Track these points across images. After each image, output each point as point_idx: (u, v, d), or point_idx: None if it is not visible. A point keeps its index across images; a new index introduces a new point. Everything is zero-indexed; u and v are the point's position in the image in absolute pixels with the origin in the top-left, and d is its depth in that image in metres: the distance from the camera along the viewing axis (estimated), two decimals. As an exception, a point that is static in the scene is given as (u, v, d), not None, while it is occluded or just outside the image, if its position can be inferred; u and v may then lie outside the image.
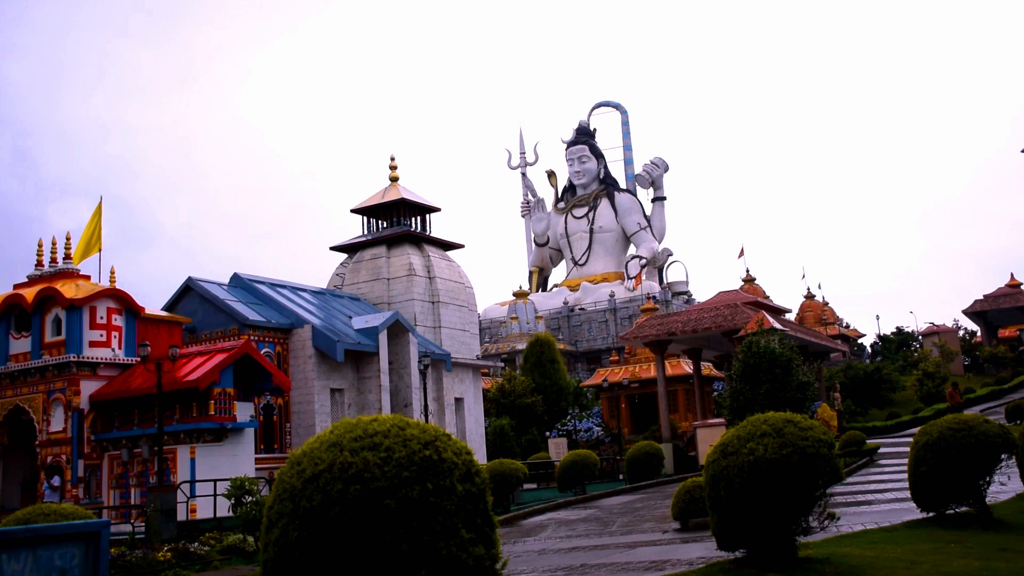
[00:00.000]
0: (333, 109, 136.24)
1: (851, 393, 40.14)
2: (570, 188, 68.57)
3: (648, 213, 65.93)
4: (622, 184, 68.26)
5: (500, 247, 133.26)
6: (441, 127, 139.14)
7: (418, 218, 30.98)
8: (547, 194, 70.01)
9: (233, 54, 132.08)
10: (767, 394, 18.05)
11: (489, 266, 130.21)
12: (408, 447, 3.81)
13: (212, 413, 18.18)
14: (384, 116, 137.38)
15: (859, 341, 58.21)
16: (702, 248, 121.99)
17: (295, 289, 25.89)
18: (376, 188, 32.39)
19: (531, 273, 68.12)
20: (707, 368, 35.21)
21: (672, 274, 63.32)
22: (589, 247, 65.38)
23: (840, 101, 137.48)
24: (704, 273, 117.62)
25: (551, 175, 70.10)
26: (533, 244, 68.72)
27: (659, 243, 64.38)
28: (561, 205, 68.52)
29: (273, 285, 25.17)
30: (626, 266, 61.07)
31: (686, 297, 59.46)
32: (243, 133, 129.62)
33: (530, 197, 69.78)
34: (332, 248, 31.11)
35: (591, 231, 65.29)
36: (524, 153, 72.26)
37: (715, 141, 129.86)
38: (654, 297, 52.67)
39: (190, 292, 22.98)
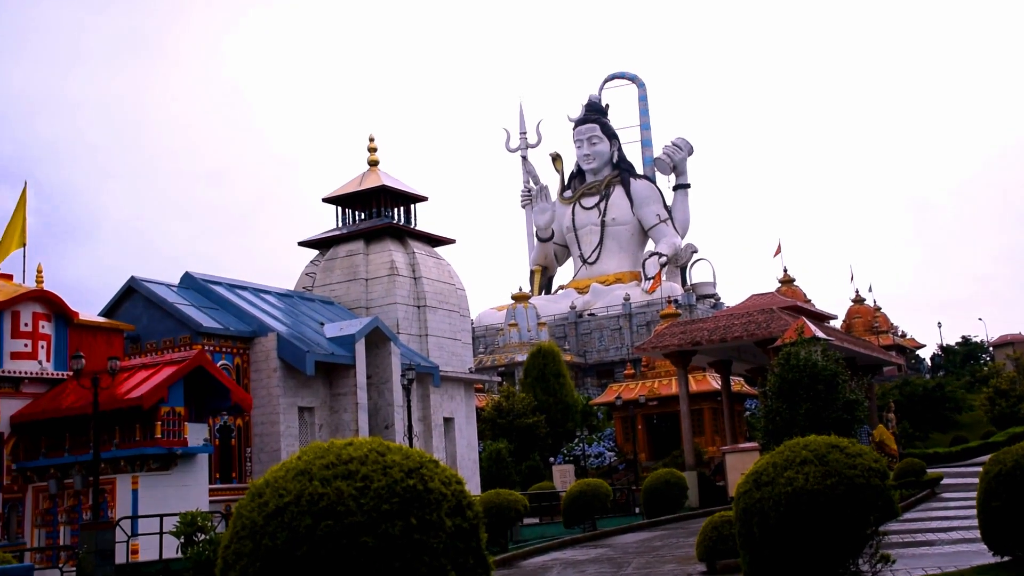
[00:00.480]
0: (306, 82, 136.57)
1: (908, 414, 39.88)
2: (578, 174, 68.72)
3: (669, 203, 66.11)
4: (639, 169, 68.40)
5: (497, 243, 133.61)
6: (429, 103, 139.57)
7: (401, 209, 31.09)
8: (551, 181, 70.24)
9: (192, 19, 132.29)
10: (808, 414, 18.12)
11: (484, 265, 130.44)
12: (389, 475, 3.79)
13: (159, 437, 18.05)
14: (363, 90, 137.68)
15: (917, 353, 58.20)
16: (732, 244, 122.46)
17: (258, 291, 25.91)
18: (353, 173, 32.36)
19: (533, 273, 68.20)
20: (738, 384, 35.26)
21: (697, 274, 63.49)
22: (600, 243, 65.50)
23: (896, 71, 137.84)
24: (734, 273, 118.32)
25: (556, 159, 70.22)
26: (535, 239, 68.85)
27: (682, 238, 64.54)
28: (568, 194, 68.67)
29: (232, 286, 25.15)
30: (643, 265, 61.20)
31: (713, 301, 59.58)
32: (201, 110, 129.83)
33: (531, 184, 69.94)
34: (301, 243, 31.14)
35: (602, 224, 65.43)
36: (525, 133, 72.40)
37: (746, 119, 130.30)
38: (676, 301, 52.81)
39: (133, 294, 22.94)
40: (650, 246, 65.37)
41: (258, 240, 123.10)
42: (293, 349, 22.38)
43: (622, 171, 66.70)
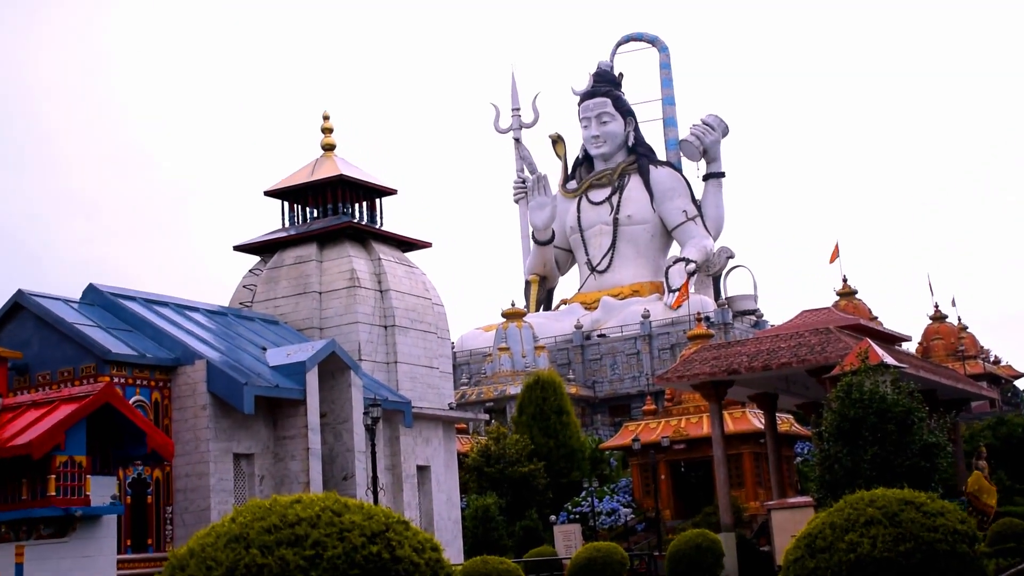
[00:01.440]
0: (245, 44, 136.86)
1: (1005, 460, 39.20)
2: (585, 160, 69.06)
3: (698, 196, 66.44)
4: (661, 155, 68.78)
5: (484, 247, 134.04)
6: (398, 73, 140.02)
7: (364, 204, 31.26)
8: (551, 169, 70.54)
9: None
10: (875, 461, 18.18)
11: (468, 274, 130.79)
12: (347, 541, 3.76)
13: (52, 494, 17.71)
14: (317, 56, 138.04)
15: (1015, 384, 57.93)
16: (776, 247, 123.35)
17: (182, 308, 25.93)
18: (303, 160, 32.39)
19: (528, 284, 68.34)
20: (786, 422, 35.31)
21: (734, 285, 63.75)
22: (612, 246, 65.77)
23: (997, 36, 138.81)
24: (779, 284, 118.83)
25: (557, 141, 70.54)
26: (531, 242, 69.08)
27: (714, 240, 64.88)
28: (572, 185, 68.99)
29: (149, 302, 25.11)
30: (666, 274, 61.42)
31: (754, 319, 59.79)
32: (109, 83, 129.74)
33: (526, 174, 70.22)
34: (238, 248, 31.22)
35: (615, 223, 65.72)
36: (518, 110, 72.72)
37: (792, 91, 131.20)
38: (707, 318, 52.71)
39: (20, 313, 22.77)
40: (675, 250, 65.56)
41: (183, 244, 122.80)
42: (227, 381, 22.33)
43: (640, 157, 67.01)
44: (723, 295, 62.39)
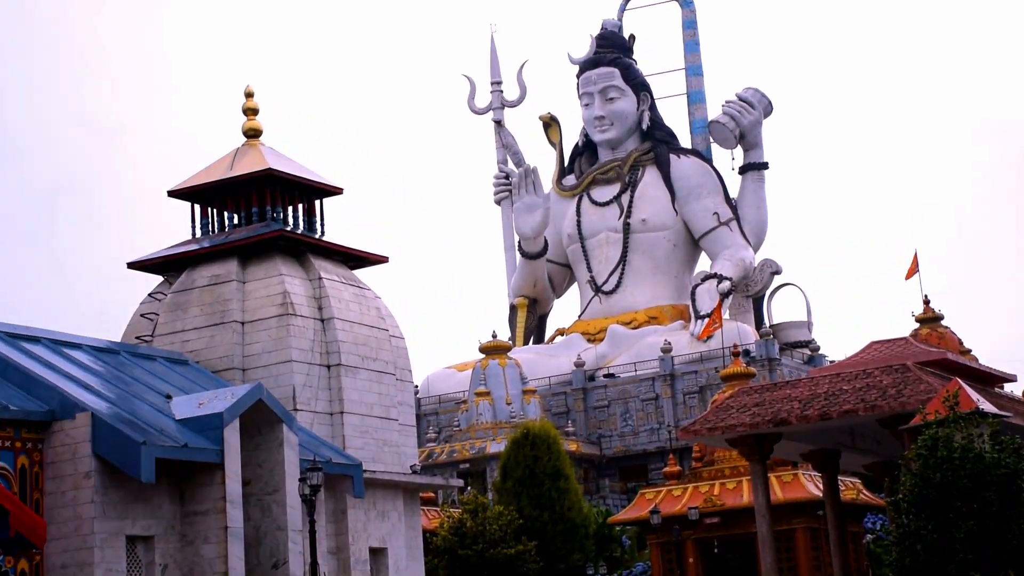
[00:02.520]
0: (141, 5, 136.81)
1: None
2: (586, 148, 69.24)
3: (733, 195, 66.53)
4: (685, 141, 68.96)
5: (456, 261, 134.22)
6: (344, 38, 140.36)
7: (301, 208, 31.21)
8: (543, 160, 70.64)
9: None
10: (971, 539, 18.06)
11: (436, 297, 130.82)
12: None
13: None
14: (239, 17, 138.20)
15: None
16: (834, 259, 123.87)
17: (59, 344, 25.69)
18: (220, 151, 32.32)
19: (514, 309, 68.17)
20: (851, 488, 35.08)
21: (781, 309, 63.92)
22: (623, 259, 65.76)
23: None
24: (839, 306, 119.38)
25: (550, 124, 70.67)
26: (517, 254, 68.97)
27: (754, 250, 64.91)
28: (569, 181, 69.09)
29: (14, 337, 24.83)
30: (693, 294, 61.45)
31: (808, 353, 59.83)
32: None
33: (510, 166, 70.22)
34: (133, 265, 31.12)
35: (626, 229, 65.80)
36: (499, 83, 72.83)
37: (856, 61, 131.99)
38: (747, 352, 52.79)
39: None
40: (703, 264, 65.65)
41: (58, 260, 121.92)
42: (119, 440, 22.05)
43: (657, 143, 67.21)
44: (767, 322, 62.42)
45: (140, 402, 24.17)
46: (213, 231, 31.00)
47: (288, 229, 30.12)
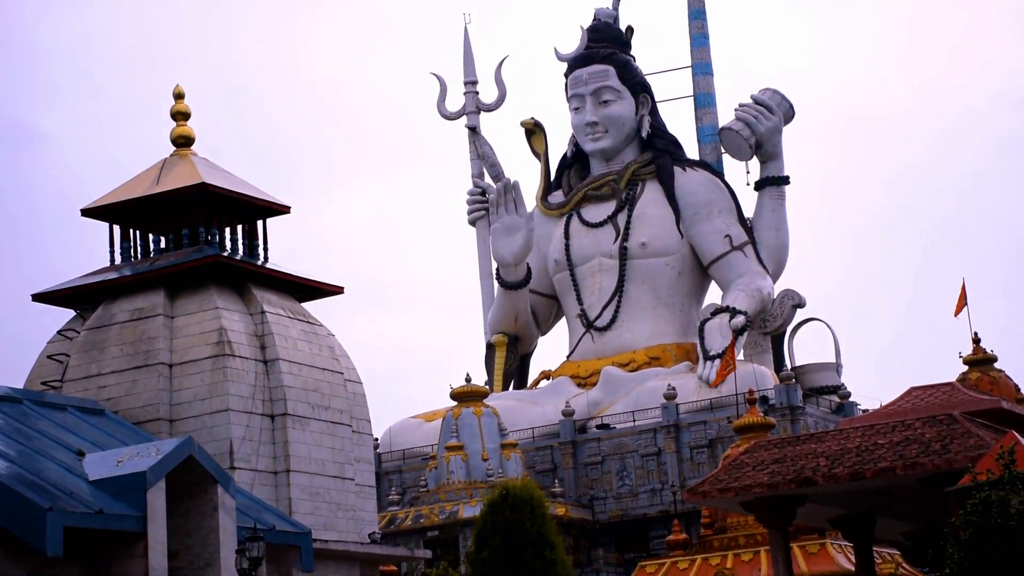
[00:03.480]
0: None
1: None
2: (576, 160, 69.26)
3: (749, 214, 66.58)
4: (691, 151, 69.06)
5: (424, 292, 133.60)
6: (294, 29, 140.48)
7: (241, 229, 31.31)
8: (526, 173, 70.68)
9: None
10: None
11: (399, 334, 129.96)
12: None
13: None
14: (171, 4, 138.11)
15: None
16: (865, 291, 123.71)
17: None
18: (144, 162, 32.28)
19: (491, 348, 68.06)
20: (888, 561, 35.08)
21: (805, 348, 64.06)
22: (619, 290, 65.74)
23: None
24: (873, 346, 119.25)
25: (534, 131, 70.66)
26: (495, 284, 68.86)
27: (774, 279, 64.94)
28: (557, 197, 69.09)
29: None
30: (701, 331, 61.49)
31: (836, 400, 59.84)
32: None
33: (487, 180, 70.23)
34: (38, 297, 31.07)
35: (623, 254, 65.79)
36: (474, 83, 72.83)
37: (893, 57, 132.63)
38: (765, 400, 53.29)
39: None
40: (714, 295, 65.61)
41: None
42: (20, 506, 21.92)
43: (659, 154, 67.32)
44: (788, 364, 62.47)
45: (46, 460, 24.00)
46: (136, 257, 30.92)
47: (225, 254, 30.05)
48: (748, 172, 67.15)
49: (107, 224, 31.15)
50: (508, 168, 70.16)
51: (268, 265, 31.03)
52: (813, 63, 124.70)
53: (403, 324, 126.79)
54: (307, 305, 31.40)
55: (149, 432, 27.62)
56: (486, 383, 63.10)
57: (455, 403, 55.78)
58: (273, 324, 29.37)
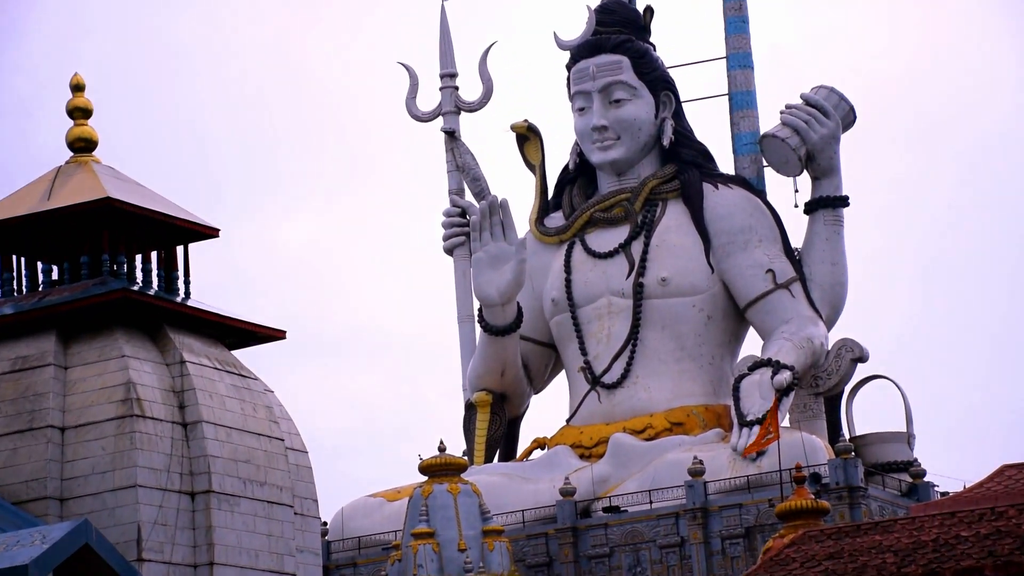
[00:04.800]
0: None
1: None
2: (580, 173, 69.22)
3: (797, 243, 66.60)
4: (725, 164, 69.15)
5: (385, 336, 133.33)
6: (227, 8, 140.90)
7: (157, 256, 31.64)
8: (517, 189, 70.76)
9: None
10: None
11: (354, 389, 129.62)
12: None
13: None
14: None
15: None
16: (944, 341, 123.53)
17: None
18: (34, 171, 32.21)
19: (471, 408, 67.92)
20: None
21: (868, 413, 64.05)
22: (634, 337, 65.73)
23: None
24: (951, 411, 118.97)
25: (527, 137, 70.65)
26: (476, 328, 68.78)
27: (828, 325, 64.87)
28: (555, 220, 69.00)
29: None
30: (736, 390, 61.40)
31: (907, 480, 59.68)
32: None
33: (468, 197, 70.22)
34: None
35: (638, 292, 65.77)
36: (452, 76, 72.81)
37: (974, 50, 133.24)
38: (816, 477, 53.43)
39: None
40: (751, 345, 65.66)
41: None
42: None
43: (684, 167, 67.48)
44: (847, 432, 62.39)
45: None
46: (20, 291, 30.86)
47: (135, 288, 30.02)
48: (797, 191, 67.18)
49: (-12, 250, 31.09)
50: (495, 183, 70.37)
51: (190, 302, 30.99)
52: (882, 55, 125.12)
53: (361, 378, 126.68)
54: (239, 353, 31.40)
55: (33, 514, 27.48)
56: (464, 453, 63.07)
57: (425, 478, 55.53)
58: (195, 377, 29.32)
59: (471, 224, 67.03)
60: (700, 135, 68.49)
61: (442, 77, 72.00)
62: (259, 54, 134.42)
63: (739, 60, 70.29)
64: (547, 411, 71.19)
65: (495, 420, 67.56)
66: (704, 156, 67.71)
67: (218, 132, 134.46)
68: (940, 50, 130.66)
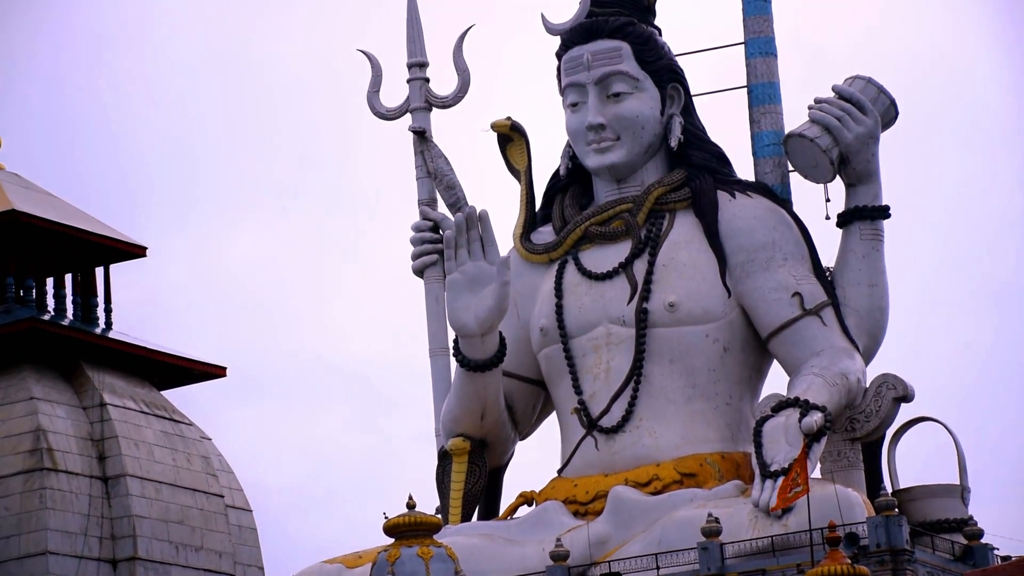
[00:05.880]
0: None
1: None
2: (572, 180, 69.22)
3: (829, 262, 66.59)
4: (743, 170, 69.15)
5: (344, 375, 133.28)
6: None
7: (72, 280, 31.47)
8: (498, 199, 70.66)
9: None
10: None
11: (307, 435, 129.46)
12: None
13: None
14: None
15: None
16: (1002, 377, 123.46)
17: None
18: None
19: (445, 456, 67.96)
20: None
21: (913, 461, 63.96)
22: (636, 373, 65.69)
23: None
24: (1012, 460, 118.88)
25: (510, 138, 70.66)
26: (452, 363, 68.75)
27: (865, 359, 64.86)
28: (542, 235, 68.89)
29: None
30: (758, 435, 61.43)
31: (961, 541, 59.58)
32: None
33: (441, 209, 70.23)
34: None
35: (641, 319, 65.74)
36: (423, 67, 72.86)
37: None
38: (853, 537, 53.11)
39: None
40: (775, 382, 65.73)
41: None
42: None
43: (695, 172, 67.44)
44: (889, 485, 62.39)
45: None
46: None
47: (46, 317, 30.07)
48: (828, 200, 67.18)
49: None
50: (472, 192, 70.34)
51: (112, 334, 31.03)
52: (931, 39, 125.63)
53: (316, 422, 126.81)
54: (171, 394, 31.49)
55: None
56: (438, 510, 63.17)
57: (391, 540, 55.55)
58: (118, 423, 29.40)
59: (445, 240, 66.91)
60: (714, 134, 68.51)
61: (410, 67, 71.96)
62: (193, 39, 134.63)
63: (760, 46, 70.30)
64: (535, 460, 71.18)
65: (474, 471, 67.50)
66: (719, 159, 67.64)
67: (145, 132, 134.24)
68: (1004, 30, 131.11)
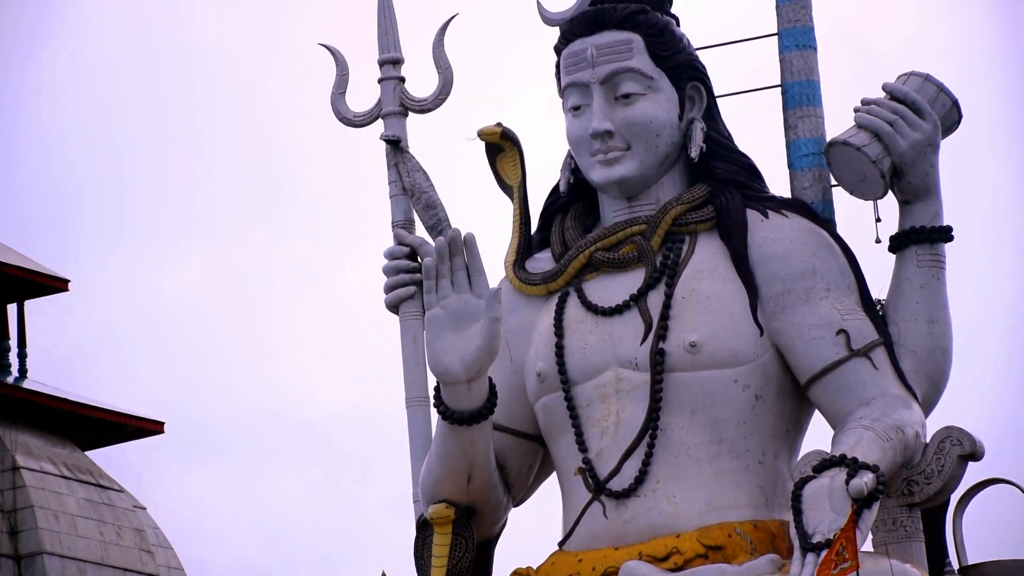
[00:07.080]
0: None
1: None
2: (575, 197, 69.26)
3: (880, 294, 67.05)
4: (778, 185, 69.15)
5: (306, 429, 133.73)
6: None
7: None
8: (487, 220, 71.00)
9: None
10: None
11: (261, 501, 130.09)
12: None
13: None
14: None
15: None
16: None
17: None
18: None
19: (425, 527, 67.69)
20: None
21: (985, 530, 63.98)
22: (651, 427, 65.56)
23: None
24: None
25: (500, 148, 70.40)
26: (432, 412, 69.14)
27: (925, 409, 65.18)
28: (540, 261, 68.28)
29: None
30: (796, 500, 61.30)
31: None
32: None
33: (420, 233, 70.41)
34: None
35: (656, 361, 65.07)
36: (396, 63, 72.42)
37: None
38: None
39: None
40: (817, 437, 66.07)
41: None
42: None
43: (720, 187, 67.13)
44: (954, 559, 62.56)
45: None
46: None
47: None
48: (879, 220, 67.31)
49: None
50: (456, 212, 70.74)
51: (27, 384, 31.15)
52: (996, 32, 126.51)
53: (271, 486, 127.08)
54: (98, 455, 31.51)
55: None
56: (420, 594, 63.67)
57: (354, 632, 56.18)
58: (34, 490, 29.53)
59: (424, 269, 66.87)
60: (742, 143, 68.73)
61: (382, 65, 71.78)
62: (130, 33, 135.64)
63: (796, 38, 70.45)
64: (532, 530, 71.35)
65: (459, 543, 67.58)
66: (748, 172, 67.44)
67: (68, 145, 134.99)
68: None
